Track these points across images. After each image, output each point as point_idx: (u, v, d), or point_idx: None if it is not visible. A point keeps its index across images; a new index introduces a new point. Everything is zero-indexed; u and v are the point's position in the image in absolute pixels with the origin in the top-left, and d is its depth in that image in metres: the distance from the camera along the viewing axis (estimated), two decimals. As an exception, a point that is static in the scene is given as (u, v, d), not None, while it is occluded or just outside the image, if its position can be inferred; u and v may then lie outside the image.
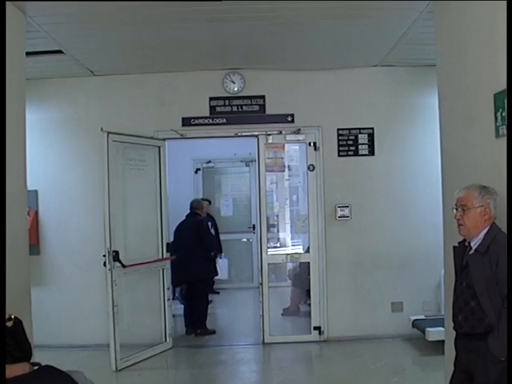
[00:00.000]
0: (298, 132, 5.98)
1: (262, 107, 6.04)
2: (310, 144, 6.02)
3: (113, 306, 5.13)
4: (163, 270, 5.85)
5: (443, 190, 4.00)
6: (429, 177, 5.70)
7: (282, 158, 6.08)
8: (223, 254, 8.35)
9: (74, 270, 5.94)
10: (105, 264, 5.14)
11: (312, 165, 6.04)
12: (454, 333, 2.94)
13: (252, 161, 8.80)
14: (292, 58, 5.67)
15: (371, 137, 6.02)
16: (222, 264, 7.81)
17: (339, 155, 6.03)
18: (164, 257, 5.83)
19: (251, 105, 6.03)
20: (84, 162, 5.97)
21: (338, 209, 5.97)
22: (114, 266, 5.14)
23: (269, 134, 5.99)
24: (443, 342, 4.01)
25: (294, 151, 6.52)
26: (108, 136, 5.16)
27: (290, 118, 6.01)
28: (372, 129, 6.03)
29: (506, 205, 2.83)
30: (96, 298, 5.69)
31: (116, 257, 5.14)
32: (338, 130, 6.03)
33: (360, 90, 6.04)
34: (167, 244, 5.89)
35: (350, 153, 6.02)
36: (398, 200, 6.00)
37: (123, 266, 5.21)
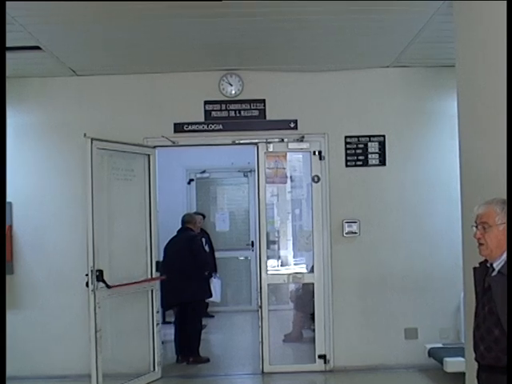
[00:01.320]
0: (301, 140, 6.01)
1: (262, 112, 6.07)
2: (314, 153, 6.04)
3: (95, 332, 5.09)
4: (152, 291, 5.86)
5: (462, 204, 3.98)
6: (446, 189, 5.72)
7: (284, 169, 6.10)
8: (218, 274, 8.34)
9: (53, 290, 5.91)
10: (87, 284, 5.12)
11: (317, 176, 6.06)
12: (476, 364, 2.88)
13: (251, 171, 8.86)
14: (296, 57, 5.69)
15: (382, 145, 6.04)
16: (216, 284, 7.80)
17: (347, 165, 6.05)
18: (153, 276, 5.84)
19: (250, 109, 6.06)
20: (65, 171, 5.96)
21: (346, 224, 5.97)
22: (97, 286, 5.11)
23: (269, 142, 6.01)
24: (463, 374, 3.99)
25: (297, 161, 6.58)
26: (92, 143, 5.15)
27: (292, 125, 6.04)
28: (383, 136, 6.05)
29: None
30: (77, 322, 5.66)
31: (100, 276, 5.12)
32: (346, 137, 6.05)
33: (370, 94, 6.05)
34: (157, 262, 5.89)
35: (358, 163, 6.04)
36: (412, 215, 6.01)
37: (108, 286, 5.19)
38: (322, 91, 6.06)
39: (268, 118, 6.05)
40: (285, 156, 6.10)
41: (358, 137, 6.04)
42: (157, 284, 5.93)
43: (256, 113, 6.06)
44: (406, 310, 5.98)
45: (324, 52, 5.53)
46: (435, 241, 5.94)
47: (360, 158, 6.04)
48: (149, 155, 5.87)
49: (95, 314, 5.09)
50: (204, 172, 9.44)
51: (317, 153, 6.04)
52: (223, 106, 6.06)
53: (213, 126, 6.05)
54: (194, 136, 6.05)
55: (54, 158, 5.98)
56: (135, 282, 5.56)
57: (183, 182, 9.40)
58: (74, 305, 5.75)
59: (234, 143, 6.11)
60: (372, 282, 5.99)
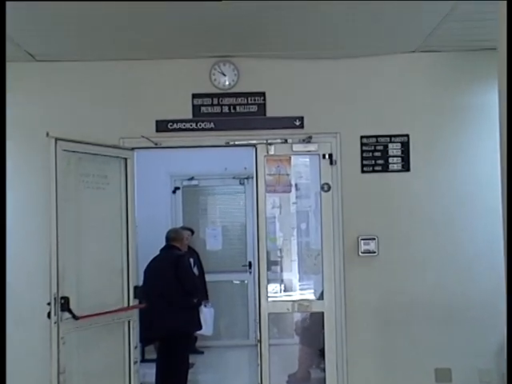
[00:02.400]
0: (308, 140, 5.99)
1: (262, 108, 6.06)
2: (324, 156, 6.03)
3: (58, 373, 4.96)
4: (129, 322, 5.75)
5: (505, 218, 3.74)
6: (485, 201, 5.69)
7: (288, 175, 6.11)
8: (209, 301, 8.34)
9: (7, 322, 5.59)
10: (49, 315, 5.01)
11: (327, 184, 6.04)
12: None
13: (248, 178, 8.94)
14: (302, 42, 5.66)
15: (406, 147, 6.00)
16: (207, 314, 7.82)
17: (363, 171, 6.03)
18: (130, 305, 5.76)
19: (247, 104, 6.06)
20: (23, 177, 5.90)
21: (362, 242, 5.94)
22: (61, 317, 5.01)
23: (270, 143, 6.01)
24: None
25: (303, 165, 6.57)
26: (56, 143, 5.08)
27: (298, 122, 6.03)
28: (407, 136, 6.00)
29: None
30: (36, 361, 5.55)
31: (65, 305, 5.03)
32: (362, 137, 6.02)
33: (392, 85, 6.02)
34: (135, 288, 5.83)
35: (377, 168, 6.02)
36: (442, 231, 5.94)
37: (75, 317, 5.07)
38: (334, 82, 6.04)
39: (268, 114, 6.04)
40: (288, 160, 6.10)
41: (376, 137, 6.00)
42: (135, 314, 5.84)
43: (254, 108, 6.05)
44: (436, 346, 5.88)
45: (336, 35, 5.50)
46: (472, 262, 5.88)
47: (379, 162, 6.01)
48: (126, 159, 5.82)
49: (58, 351, 4.96)
50: (192, 179, 9.41)
51: (327, 156, 6.02)
52: (215, 100, 6.04)
53: (202, 125, 6.03)
54: (180, 136, 6.03)
55: (9, 161, 5.60)
56: (108, 312, 5.48)
57: (167, 191, 9.36)
58: (32, 340, 5.67)
59: (227, 145, 6.09)
60: (394, 312, 5.95)
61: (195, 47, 5.77)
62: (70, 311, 5.05)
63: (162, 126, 6.00)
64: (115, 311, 5.58)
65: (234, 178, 9.45)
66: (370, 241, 5.95)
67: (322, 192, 6.05)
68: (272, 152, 6.02)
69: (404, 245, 5.95)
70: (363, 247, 5.94)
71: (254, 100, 6.05)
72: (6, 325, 3.29)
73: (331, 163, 6.02)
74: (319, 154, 6.04)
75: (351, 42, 5.71)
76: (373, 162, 6.01)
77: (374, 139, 6.00)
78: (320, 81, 6.03)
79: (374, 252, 5.93)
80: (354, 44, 5.74)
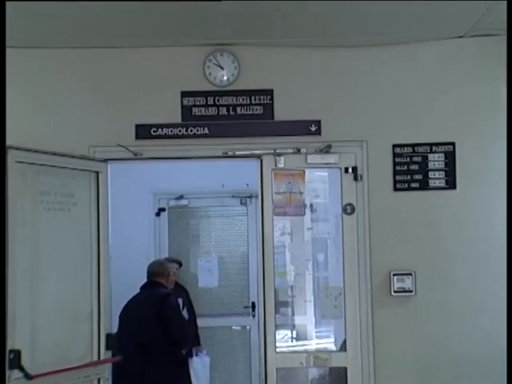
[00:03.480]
0: (327, 150, 5.89)
1: (269, 109, 5.96)
2: (346, 170, 5.95)
3: None
4: (99, 380, 5.62)
5: None
6: None
7: (301, 193, 6.05)
8: (203, 350, 8.16)
9: None
10: None
11: (350, 204, 5.95)
12: None
13: (251, 197, 8.77)
14: (318, 25, 5.52)
15: (451, 158, 5.89)
16: (199, 368, 7.66)
17: (396, 189, 5.93)
18: (101, 358, 5.67)
19: (251, 105, 5.98)
20: None
21: (395, 278, 5.84)
22: (10, 376, 4.84)
23: (279, 154, 5.94)
24: None
25: (320, 182, 6.51)
26: (7, 153, 4.94)
27: (314, 128, 5.92)
28: (452, 144, 5.89)
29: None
30: None
31: (15, 361, 4.87)
32: (395, 146, 5.93)
33: (434, 79, 5.93)
34: (107, 336, 5.72)
35: (414, 185, 5.92)
36: (497, 265, 5.65)
37: (28, 376, 4.91)
38: (358, 77, 5.97)
39: (277, 117, 5.95)
40: (302, 175, 6.04)
41: (412, 145, 5.91)
42: (107, 370, 5.72)
43: (259, 110, 5.97)
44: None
45: (363, 16, 5.31)
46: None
47: (416, 177, 5.91)
48: (97, 173, 5.77)
49: (5, 422, 4.83)
50: (181, 198, 9.19)
51: (350, 170, 5.94)
52: (210, 100, 5.96)
53: (194, 130, 5.94)
54: (167, 144, 5.94)
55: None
56: (73, 368, 5.33)
57: (150, 214, 9.16)
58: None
59: (225, 155, 6.00)
60: (436, 368, 5.82)
61: (186, 33, 5.68)
62: (21, 368, 4.91)
63: (143, 131, 5.91)
64: (82, 367, 5.45)
65: (233, 196, 9.17)
66: (406, 277, 5.85)
67: (345, 215, 5.98)
68: (281, 165, 5.96)
69: (448, 282, 5.84)
70: (396, 285, 5.84)
71: (259, 99, 5.97)
72: (6, 322, 3.73)
73: (356, 179, 5.94)
74: (340, 168, 5.98)
75: (383, 27, 5.61)
76: (408, 177, 5.92)
77: (409, 149, 5.91)
78: (341, 75, 5.98)
79: (411, 291, 5.82)
80: (386, 28, 5.66)
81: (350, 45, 5.87)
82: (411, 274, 5.78)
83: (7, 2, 4.52)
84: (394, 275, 5.80)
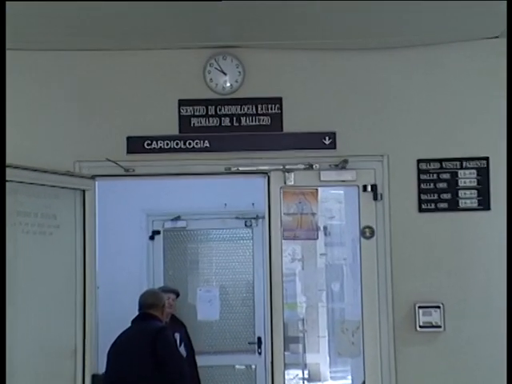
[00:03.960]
0: (343, 166, 5.86)
1: (277, 119, 5.92)
2: (365, 188, 5.91)
3: None
4: None
5: None
6: None
7: (314, 214, 5.99)
8: None
9: None
10: None
11: (369, 227, 5.90)
12: None
13: (257, 218, 8.69)
14: (333, 26, 5.49)
15: (484, 175, 5.84)
16: None
17: (421, 210, 5.85)
18: None
19: (257, 115, 5.94)
20: None
21: (420, 311, 5.73)
22: None
23: (289, 170, 5.90)
24: None
25: (335, 201, 6.57)
26: None
27: (328, 141, 5.89)
28: (486, 159, 5.83)
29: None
30: None
31: None
32: (420, 162, 5.88)
33: (464, 84, 5.89)
34: (93, 377, 5.72)
35: (441, 205, 5.86)
36: None
37: None
38: (378, 83, 5.93)
39: (286, 129, 5.91)
40: (315, 193, 6.00)
41: (440, 160, 5.85)
42: None
43: (266, 120, 5.93)
44: None
45: (386, 15, 5.23)
46: None
47: (444, 196, 5.86)
48: (83, 191, 5.79)
49: None
50: (178, 219, 9.09)
51: (369, 188, 5.89)
52: (211, 110, 5.92)
53: (193, 143, 5.90)
54: (162, 159, 5.90)
55: None
56: None
57: (142, 237, 9.01)
58: None
59: (229, 172, 5.97)
60: None
61: (185, 34, 5.68)
62: (-6, 414, 4.91)
63: (135, 144, 5.88)
64: (64, 414, 5.41)
65: (237, 217, 9.01)
66: (433, 310, 5.76)
67: (363, 239, 5.93)
68: (291, 182, 5.92)
69: (481, 317, 5.74)
70: (422, 319, 5.75)
71: (267, 109, 5.95)
72: (5, 326, 3.86)
73: (375, 198, 5.89)
74: (358, 186, 5.93)
75: (407, 27, 5.55)
76: (435, 196, 5.88)
77: (437, 164, 5.86)
78: (359, 82, 5.94)
79: (439, 326, 5.73)
80: (411, 29, 5.60)
81: (369, 47, 5.84)
82: (439, 307, 5.69)
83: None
84: (419, 308, 5.71)
